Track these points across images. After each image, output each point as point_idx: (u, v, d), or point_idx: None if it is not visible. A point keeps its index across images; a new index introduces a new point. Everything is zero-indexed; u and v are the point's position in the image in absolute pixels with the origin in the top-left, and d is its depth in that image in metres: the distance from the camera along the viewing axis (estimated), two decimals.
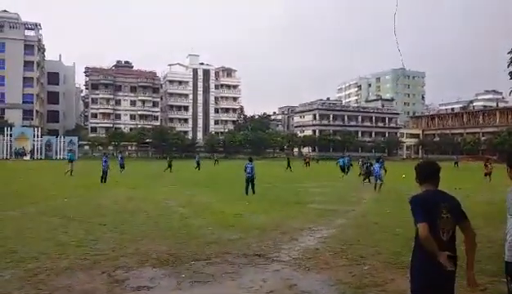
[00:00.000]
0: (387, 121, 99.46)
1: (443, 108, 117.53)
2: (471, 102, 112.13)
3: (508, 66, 9.60)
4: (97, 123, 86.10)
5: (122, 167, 29.93)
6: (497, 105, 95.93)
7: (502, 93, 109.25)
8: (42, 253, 6.90)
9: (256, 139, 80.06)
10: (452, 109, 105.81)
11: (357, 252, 7.17)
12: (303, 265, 6.38)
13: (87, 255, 6.86)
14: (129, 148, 78.06)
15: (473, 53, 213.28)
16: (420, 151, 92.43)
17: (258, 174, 17.42)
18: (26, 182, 21.70)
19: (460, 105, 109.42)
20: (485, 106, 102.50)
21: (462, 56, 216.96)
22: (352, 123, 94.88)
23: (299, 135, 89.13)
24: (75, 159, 28.54)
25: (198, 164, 36.54)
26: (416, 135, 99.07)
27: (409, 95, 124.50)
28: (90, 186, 19.30)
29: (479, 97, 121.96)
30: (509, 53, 9.55)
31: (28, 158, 58.37)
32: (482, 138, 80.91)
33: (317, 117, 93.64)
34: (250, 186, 16.21)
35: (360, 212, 12.31)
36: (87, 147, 74.16)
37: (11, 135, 59.61)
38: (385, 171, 22.78)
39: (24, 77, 74.32)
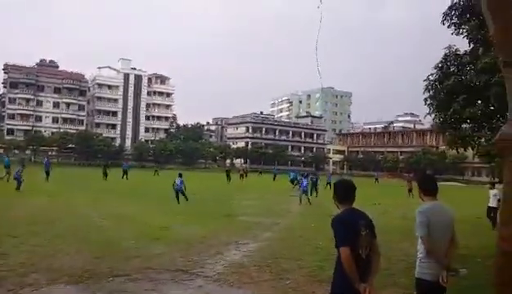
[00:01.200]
0: (315, 137, 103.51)
1: (367, 127, 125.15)
2: (392, 123, 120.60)
3: (423, 92, 10.40)
4: (15, 125, 79.52)
5: (47, 173, 27.52)
6: (414, 127, 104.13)
7: (419, 116, 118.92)
8: None
9: (188, 149, 78.96)
10: (375, 129, 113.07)
11: (281, 266, 7.28)
12: (226, 281, 6.33)
13: None
14: (50, 153, 72.83)
15: (396, 77, 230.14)
16: (345, 167, 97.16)
17: (189, 186, 17.49)
18: None
19: (382, 125, 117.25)
20: (404, 127, 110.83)
21: (387, 79, 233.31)
22: (283, 137, 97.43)
23: (232, 146, 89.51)
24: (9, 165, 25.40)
25: (125, 173, 34.86)
26: (342, 152, 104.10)
27: (336, 113, 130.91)
28: (3, 194, 17.65)
29: (399, 118, 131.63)
30: (424, 81, 10.35)
31: None
32: (401, 157, 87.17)
33: (250, 129, 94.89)
34: (181, 195, 17.25)
35: (286, 225, 12.57)
36: (1, 150, 68.00)
37: None
38: (317, 192, 24.04)
39: None
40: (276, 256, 8.05)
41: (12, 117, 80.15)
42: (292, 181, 32.76)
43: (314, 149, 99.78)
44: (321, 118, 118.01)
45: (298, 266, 7.33)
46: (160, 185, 27.47)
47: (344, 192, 3.31)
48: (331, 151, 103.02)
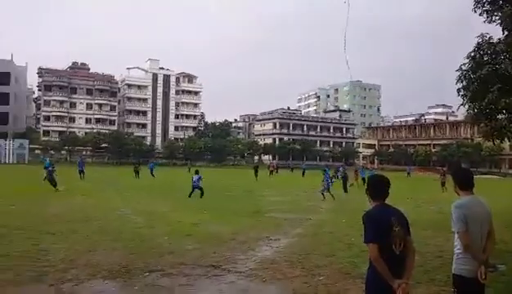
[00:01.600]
0: (344, 131, 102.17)
1: (398, 120, 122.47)
2: (423, 115, 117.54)
3: (456, 83, 10.10)
4: (50, 126, 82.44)
5: (81, 172, 28.34)
6: (447, 119, 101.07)
7: (452, 107, 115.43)
8: None
9: (216, 146, 79.66)
10: (406, 122, 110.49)
11: (313, 262, 7.26)
12: (259, 276, 6.37)
13: (34, 266, 6.51)
14: (84, 152, 75.27)
15: (427, 67, 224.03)
16: (376, 161, 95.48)
17: (216, 182, 17.67)
18: None
19: (413, 118, 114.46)
20: (436, 119, 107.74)
21: (417, 70, 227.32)
22: (312, 133, 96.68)
23: (260, 143, 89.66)
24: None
25: (151, 171, 34.76)
26: (372, 146, 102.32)
27: (365, 106, 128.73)
28: (40, 192, 18.38)
29: (431, 110, 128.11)
30: (457, 71, 10.05)
31: None
32: (433, 150, 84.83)
33: (277, 125, 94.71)
34: (197, 191, 18.18)
35: (317, 221, 12.50)
36: (38, 151, 70.74)
37: None
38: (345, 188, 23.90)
39: None
40: (307, 252, 8.03)
41: (48, 118, 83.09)
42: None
43: (343, 144, 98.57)
44: (349, 111, 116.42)
45: (330, 262, 7.29)
46: (190, 182, 27.88)
47: (377, 187, 3.27)
48: (361, 145, 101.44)
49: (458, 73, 9.82)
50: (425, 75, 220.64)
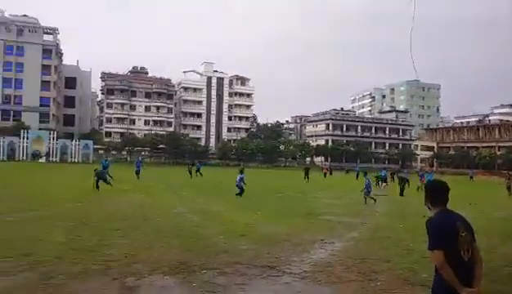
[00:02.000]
0: (401, 132, 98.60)
1: (459, 121, 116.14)
2: (487, 116, 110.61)
3: None
4: (112, 128, 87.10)
5: (137, 172, 28.85)
6: None
7: None
8: (56, 257, 6.98)
9: (268, 147, 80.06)
10: (468, 122, 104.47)
11: (370, 267, 7.08)
12: (314, 279, 6.33)
13: (100, 260, 6.91)
14: (143, 153, 78.77)
15: (490, 66, 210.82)
16: (435, 164, 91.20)
17: (268, 183, 17.71)
18: (41, 185, 22.02)
19: (476, 118, 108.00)
20: (501, 120, 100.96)
21: (478, 69, 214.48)
22: (366, 134, 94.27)
23: (312, 144, 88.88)
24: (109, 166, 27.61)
25: (198, 171, 34.82)
26: (431, 148, 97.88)
27: (424, 106, 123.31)
28: (103, 191, 19.48)
29: (495, 111, 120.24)
30: None
31: (43, 160, 59.25)
32: (499, 152, 79.55)
33: (330, 126, 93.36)
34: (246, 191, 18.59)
35: (372, 225, 12.17)
36: (101, 151, 75.00)
37: (27, 138, 60.65)
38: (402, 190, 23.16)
39: (41, 81, 75.71)
40: (363, 257, 7.85)
41: (110, 120, 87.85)
42: (383, 179, 32.02)
43: (400, 146, 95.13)
44: (406, 112, 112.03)
45: (388, 268, 7.07)
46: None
47: (437, 193, 3.15)
48: (419, 147, 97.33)
49: None
50: (489, 75, 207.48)
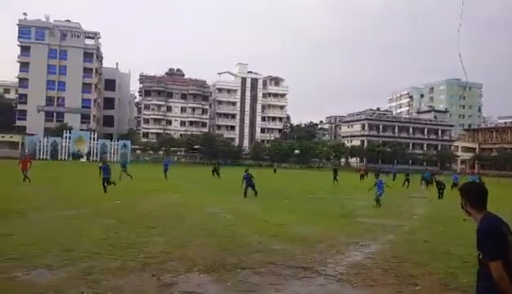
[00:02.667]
0: (440, 133, 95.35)
1: (502, 121, 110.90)
2: None
3: None
4: (149, 128, 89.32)
5: (165, 171, 29.10)
6: None
7: None
8: (96, 253, 7.24)
9: (301, 148, 79.59)
10: None
11: (407, 271, 6.91)
12: (349, 281, 6.23)
13: (137, 257, 7.11)
14: (178, 153, 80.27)
15: None
16: (476, 166, 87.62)
17: (300, 184, 17.46)
18: (82, 183, 22.89)
19: None
20: None
21: None
22: (403, 135, 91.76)
23: (346, 145, 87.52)
24: (127, 164, 28.75)
25: (216, 171, 33.60)
26: (472, 149, 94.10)
27: (464, 106, 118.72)
28: (139, 190, 20.02)
29: None
30: None
31: (84, 159, 61.58)
32: None
33: (366, 127, 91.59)
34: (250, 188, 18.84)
35: (410, 229, 11.84)
36: (138, 151, 77.09)
37: (69, 138, 63.21)
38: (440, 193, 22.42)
39: (83, 83, 78.74)
40: (400, 260, 7.65)
41: (147, 121, 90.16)
42: (427, 181, 31.61)
43: (439, 147, 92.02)
44: (446, 112, 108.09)
45: (427, 272, 6.87)
46: (275, 183, 28.20)
47: (479, 196, 2.97)
48: (459, 148, 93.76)
49: None
50: None
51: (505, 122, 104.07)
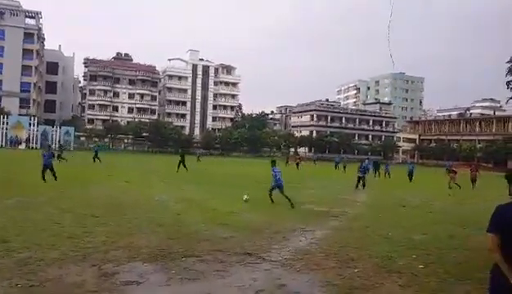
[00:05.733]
0: (384, 124, 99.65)
1: (441, 114, 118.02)
2: (468, 109, 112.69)
3: (506, 75, 9.61)
4: (94, 115, 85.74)
5: (94, 158, 31.09)
6: (494, 113, 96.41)
7: (500, 101, 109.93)
8: (35, 244, 6.90)
9: (253, 137, 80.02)
10: (449, 116, 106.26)
11: (348, 255, 7.21)
12: (293, 266, 6.41)
13: (78, 247, 6.86)
14: (125, 140, 77.88)
15: (472, 61, 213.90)
16: (416, 156, 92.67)
17: (253, 173, 17.53)
18: (22, 171, 21.62)
19: (458, 112, 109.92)
20: (482, 114, 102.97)
21: (461, 64, 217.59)
22: (350, 126, 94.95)
23: (296, 135, 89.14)
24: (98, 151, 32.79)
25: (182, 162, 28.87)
26: (413, 140, 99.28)
27: (407, 99, 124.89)
28: (84, 178, 19.23)
29: (477, 104, 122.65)
30: (508, 62, 9.56)
31: (23, 147, 58.03)
32: (478, 145, 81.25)
33: (315, 117, 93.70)
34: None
35: (352, 215, 12.34)
36: (83, 138, 73.84)
37: (7, 124, 59.26)
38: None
39: (22, 66, 73.83)
40: (342, 245, 7.97)
41: (92, 107, 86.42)
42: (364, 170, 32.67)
43: (383, 138, 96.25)
44: (390, 104, 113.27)
45: (367, 255, 7.21)
46: (223, 171, 28.24)
47: None
48: (401, 139, 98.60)
49: (509, 65, 9.36)
50: (473, 68, 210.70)
51: (443, 116, 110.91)
